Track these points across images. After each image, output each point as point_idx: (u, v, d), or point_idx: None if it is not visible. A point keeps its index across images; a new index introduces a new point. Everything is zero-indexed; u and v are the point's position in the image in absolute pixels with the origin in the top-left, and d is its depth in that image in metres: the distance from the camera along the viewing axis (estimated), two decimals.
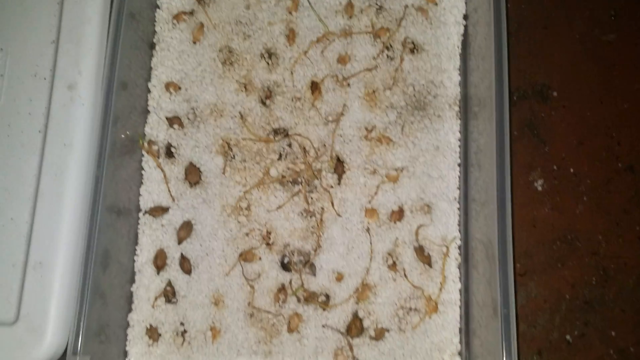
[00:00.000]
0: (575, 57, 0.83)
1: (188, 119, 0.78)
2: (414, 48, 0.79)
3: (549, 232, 0.77)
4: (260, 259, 0.74)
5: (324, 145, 0.76)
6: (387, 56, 0.79)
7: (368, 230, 0.74)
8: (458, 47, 0.79)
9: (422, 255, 0.73)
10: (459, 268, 0.74)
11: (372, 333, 0.71)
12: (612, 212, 0.78)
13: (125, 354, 0.72)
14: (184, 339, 0.72)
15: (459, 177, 0.76)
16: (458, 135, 0.77)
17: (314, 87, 0.78)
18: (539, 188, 0.79)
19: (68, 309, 0.63)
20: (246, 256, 0.74)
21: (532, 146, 0.80)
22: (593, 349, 0.74)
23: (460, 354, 0.71)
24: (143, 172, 0.77)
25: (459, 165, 0.77)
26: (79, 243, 0.64)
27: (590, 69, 0.83)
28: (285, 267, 0.74)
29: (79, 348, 0.62)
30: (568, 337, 0.75)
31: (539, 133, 0.81)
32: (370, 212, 0.74)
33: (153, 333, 0.72)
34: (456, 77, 0.79)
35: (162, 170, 0.76)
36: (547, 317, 0.75)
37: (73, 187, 0.65)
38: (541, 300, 0.76)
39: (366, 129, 0.77)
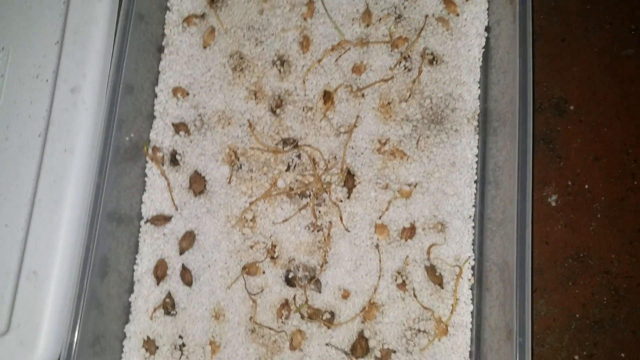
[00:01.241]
0: (593, 71, 0.81)
1: (195, 125, 0.75)
2: (433, 59, 0.75)
3: (561, 250, 0.76)
4: (263, 272, 0.71)
5: (335, 157, 0.73)
6: (405, 67, 0.75)
7: (377, 247, 0.71)
8: (479, 60, 0.76)
9: (434, 275, 0.70)
10: (472, 289, 0.70)
11: (378, 354, 0.68)
12: (625, 231, 0.76)
13: None
14: (182, 353, 0.69)
15: (475, 194, 0.73)
16: (476, 151, 0.74)
17: (327, 96, 0.74)
18: (553, 204, 0.77)
19: (62, 321, 0.60)
20: (249, 269, 0.71)
21: (547, 160, 0.79)
22: None
23: None
24: (146, 179, 0.74)
25: (476, 182, 0.73)
26: (76, 252, 0.62)
27: (609, 83, 0.81)
28: (290, 282, 0.70)
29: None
30: (577, 357, 0.73)
31: (555, 147, 0.79)
32: (381, 228, 0.71)
33: (150, 346, 0.69)
34: (476, 91, 0.75)
35: (166, 178, 0.73)
36: (555, 337, 0.74)
37: (72, 194, 0.63)
38: (550, 319, 0.75)
39: (379, 141, 0.73)
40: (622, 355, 0.73)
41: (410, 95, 0.75)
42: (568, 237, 0.76)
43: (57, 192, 0.62)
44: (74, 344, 0.61)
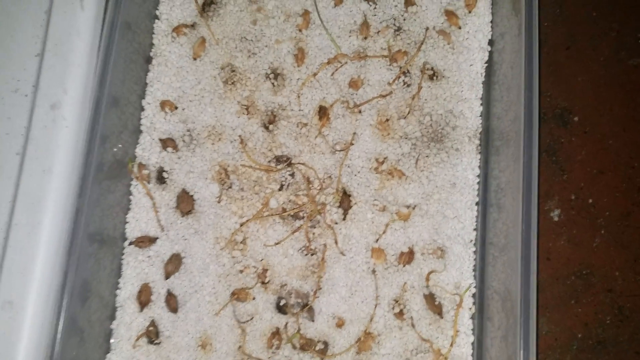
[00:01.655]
0: (598, 81, 0.80)
1: (183, 141, 0.72)
2: (433, 74, 0.73)
3: (563, 266, 0.75)
4: (254, 298, 0.68)
5: (330, 176, 0.71)
6: (404, 82, 0.73)
7: (374, 272, 0.68)
8: (481, 75, 0.74)
9: (433, 303, 0.67)
10: (472, 319, 0.68)
11: None
12: (630, 248, 0.75)
13: None
14: None
15: (477, 217, 0.71)
16: (477, 171, 0.72)
17: (322, 112, 0.72)
18: (555, 218, 0.76)
19: (38, 353, 0.57)
20: (239, 295, 0.68)
21: (550, 173, 0.77)
22: None
23: None
24: (131, 197, 0.72)
25: (477, 204, 0.71)
26: (55, 279, 0.59)
27: (614, 94, 0.79)
28: (281, 309, 0.68)
29: None
30: None
31: (558, 159, 0.77)
32: (377, 252, 0.69)
33: None
34: (478, 108, 0.73)
35: (152, 197, 0.71)
36: (557, 357, 0.73)
37: (50, 218, 0.60)
38: (552, 339, 0.73)
39: (377, 160, 0.71)
40: None
41: (409, 112, 0.72)
42: (571, 253, 0.75)
43: (34, 216, 0.60)
44: None
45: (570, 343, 0.73)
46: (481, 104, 0.73)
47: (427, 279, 0.68)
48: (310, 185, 0.70)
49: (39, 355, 0.58)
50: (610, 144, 0.78)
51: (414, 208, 0.70)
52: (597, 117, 0.78)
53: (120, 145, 0.70)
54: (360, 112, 0.72)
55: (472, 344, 0.67)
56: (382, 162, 0.71)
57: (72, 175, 0.62)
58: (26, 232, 0.59)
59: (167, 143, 0.72)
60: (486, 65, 0.74)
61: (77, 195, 0.60)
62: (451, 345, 0.66)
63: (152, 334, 0.67)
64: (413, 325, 0.67)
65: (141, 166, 0.71)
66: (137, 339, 0.67)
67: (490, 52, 0.74)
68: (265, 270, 0.69)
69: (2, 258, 0.59)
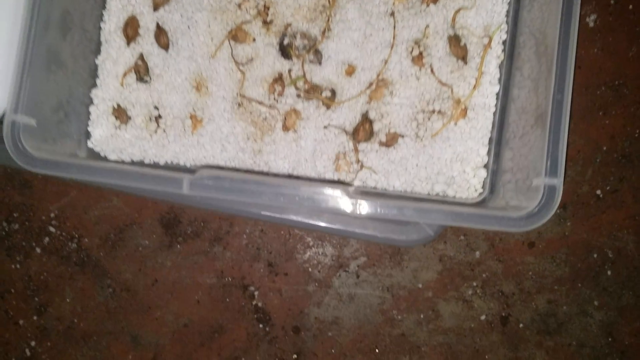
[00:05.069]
0: None
1: None
2: None
3: (594, 76, 0.73)
4: (254, 40, 0.64)
5: None
6: None
7: (393, 14, 0.62)
8: None
9: (458, 45, 0.62)
10: (500, 68, 0.63)
11: (383, 138, 0.63)
12: None
13: (88, 134, 0.65)
14: (158, 125, 0.65)
15: None
16: None
17: None
18: (591, 24, 0.73)
19: (8, 68, 0.54)
20: (237, 35, 0.63)
21: None
22: (624, 206, 0.73)
23: (486, 167, 0.63)
24: None
25: None
26: None
27: None
28: (285, 52, 0.63)
29: (18, 107, 0.54)
30: (599, 192, 0.73)
31: None
32: None
33: (121, 114, 0.64)
34: None
35: None
36: (578, 169, 0.73)
37: None
38: (574, 150, 0.73)
39: None
40: None
41: None
42: (604, 62, 0.73)
43: None
44: (21, 94, 0.54)
45: (594, 156, 0.72)
46: None
47: (454, 19, 0.62)
48: None
49: (9, 70, 0.55)
50: None
51: None
52: None
53: None
54: None
55: (497, 94, 0.63)
56: None
57: None
58: None
59: None
60: None
61: None
62: (474, 88, 0.62)
63: (142, 70, 0.64)
64: (433, 72, 0.62)
65: None
66: (125, 75, 0.64)
67: None
68: (267, 8, 0.63)
69: None
